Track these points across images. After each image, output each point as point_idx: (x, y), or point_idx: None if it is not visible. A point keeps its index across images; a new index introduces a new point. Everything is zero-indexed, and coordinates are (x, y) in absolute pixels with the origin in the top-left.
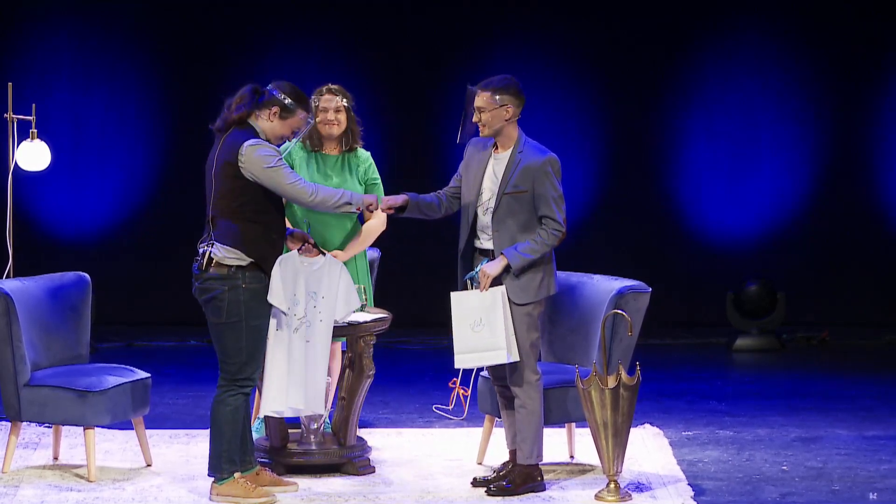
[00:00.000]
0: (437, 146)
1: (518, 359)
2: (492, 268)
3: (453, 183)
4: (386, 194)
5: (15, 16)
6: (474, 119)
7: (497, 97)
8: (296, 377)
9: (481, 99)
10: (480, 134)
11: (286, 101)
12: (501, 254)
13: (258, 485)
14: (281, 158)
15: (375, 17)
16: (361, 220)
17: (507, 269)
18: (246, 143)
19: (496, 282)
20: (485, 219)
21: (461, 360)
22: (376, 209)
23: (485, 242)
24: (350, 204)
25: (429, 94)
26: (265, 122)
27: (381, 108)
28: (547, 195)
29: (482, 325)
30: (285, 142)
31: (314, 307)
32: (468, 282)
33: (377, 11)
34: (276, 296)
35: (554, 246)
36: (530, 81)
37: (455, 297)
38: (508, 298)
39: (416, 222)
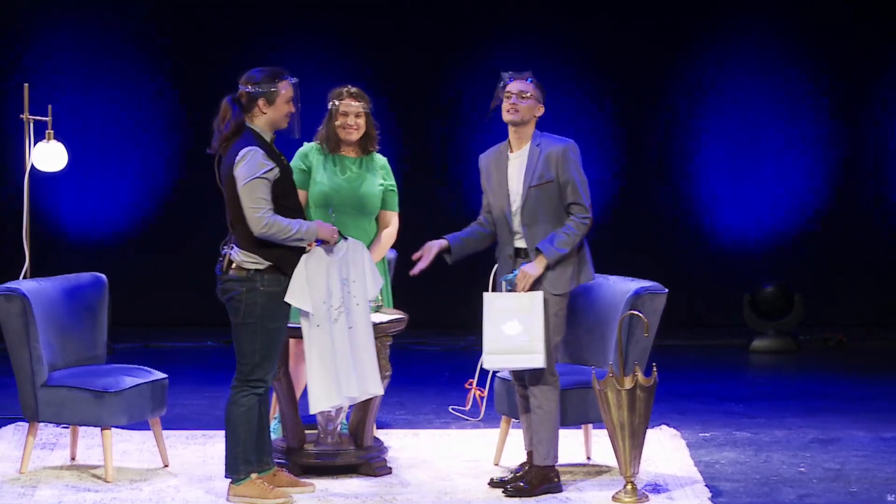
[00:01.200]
0: (438, 146)
1: (545, 364)
2: (533, 269)
3: (484, 202)
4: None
5: (31, 17)
6: (510, 102)
7: (537, 90)
8: (345, 366)
9: (525, 84)
10: (510, 118)
11: (262, 90)
12: (538, 251)
13: (275, 485)
14: (257, 176)
15: (378, 16)
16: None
17: (546, 267)
18: (238, 155)
19: (535, 286)
20: (516, 218)
21: (490, 361)
22: (335, 243)
23: (518, 242)
24: (302, 240)
25: (429, 94)
26: (261, 117)
27: (381, 109)
28: (573, 180)
29: (516, 328)
30: (291, 119)
31: (349, 293)
32: (504, 283)
33: (380, 11)
34: (295, 295)
35: (584, 234)
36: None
37: (487, 297)
38: (545, 289)
39: (433, 223)
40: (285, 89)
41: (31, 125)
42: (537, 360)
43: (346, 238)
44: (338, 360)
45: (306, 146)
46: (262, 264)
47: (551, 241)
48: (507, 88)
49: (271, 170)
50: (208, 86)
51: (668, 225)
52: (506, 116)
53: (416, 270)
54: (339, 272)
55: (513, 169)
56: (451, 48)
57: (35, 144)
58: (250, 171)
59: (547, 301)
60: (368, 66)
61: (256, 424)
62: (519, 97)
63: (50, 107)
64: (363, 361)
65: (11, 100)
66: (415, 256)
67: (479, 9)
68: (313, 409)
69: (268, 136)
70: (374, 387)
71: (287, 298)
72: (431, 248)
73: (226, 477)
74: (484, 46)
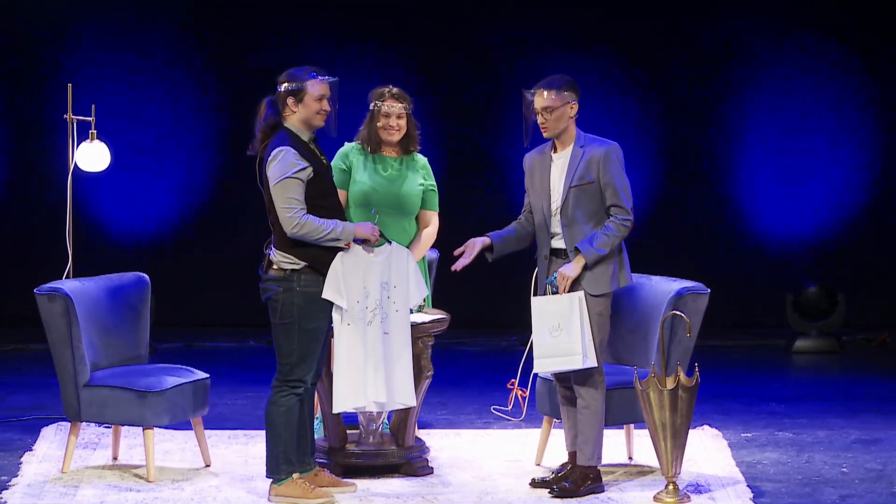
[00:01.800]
0: (479, 146)
1: (596, 363)
2: (571, 269)
3: (526, 201)
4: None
5: (74, 17)
6: (539, 121)
7: (563, 94)
8: (375, 370)
9: (546, 99)
10: (545, 135)
11: (291, 88)
12: (577, 251)
13: (317, 485)
14: (288, 176)
15: (420, 16)
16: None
17: (584, 267)
18: (271, 154)
19: (574, 286)
20: (555, 218)
21: (540, 365)
22: (376, 241)
23: (555, 243)
24: (338, 240)
25: (470, 93)
26: (293, 116)
27: (422, 109)
28: (614, 183)
29: (560, 330)
30: (327, 113)
31: (387, 297)
32: (548, 286)
33: (421, 11)
34: (331, 291)
35: (624, 237)
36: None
37: (535, 301)
38: (584, 290)
39: (474, 224)
40: (314, 87)
41: (75, 125)
42: (576, 362)
43: (389, 241)
44: (367, 362)
45: (347, 146)
46: (298, 264)
47: (591, 241)
48: (533, 106)
49: (303, 169)
50: (252, 85)
51: (710, 225)
52: (543, 134)
53: (458, 266)
54: (379, 274)
55: (555, 169)
56: (495, 48)
57: (78, 144)
58: (282, 170)
59: (588, 301)
60: (409, 66)
61: (297, 424)
62: (545, 113)
63: (93, 107)
64: (397, 370)
65: (55, 100)
66: (457, 252)
67: (526, 11)
68: (336, 409)
69: (305, 136)
70: (406, 397)
71: (323, 294)
72: (474, 245)
73: (267, 477)
74: (528, 46)
